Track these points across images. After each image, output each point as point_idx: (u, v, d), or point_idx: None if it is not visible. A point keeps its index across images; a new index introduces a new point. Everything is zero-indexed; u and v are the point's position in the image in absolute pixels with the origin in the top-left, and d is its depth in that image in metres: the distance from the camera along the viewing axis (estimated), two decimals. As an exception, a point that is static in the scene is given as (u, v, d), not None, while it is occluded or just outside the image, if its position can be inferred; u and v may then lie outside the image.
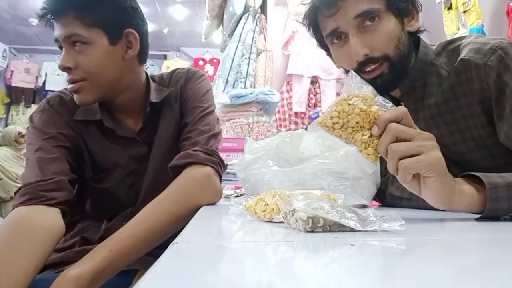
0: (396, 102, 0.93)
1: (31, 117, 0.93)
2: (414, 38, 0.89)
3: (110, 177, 0.96)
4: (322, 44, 0.93)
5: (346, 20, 0.82)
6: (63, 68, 0.86)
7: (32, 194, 0.78)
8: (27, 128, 0.93)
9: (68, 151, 0.89)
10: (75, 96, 0.89)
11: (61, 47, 0.87)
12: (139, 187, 0.96)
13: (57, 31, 0.86)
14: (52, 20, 0.86)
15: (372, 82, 0.83)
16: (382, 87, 0.86)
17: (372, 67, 0.83)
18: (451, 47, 0.88)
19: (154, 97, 0.96)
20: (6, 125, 6.41)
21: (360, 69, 0.83)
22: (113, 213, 0.96)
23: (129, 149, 0.96)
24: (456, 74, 0.83)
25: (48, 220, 0.77)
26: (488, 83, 0.78)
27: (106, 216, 0.97)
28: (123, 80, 0.92)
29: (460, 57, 0.83)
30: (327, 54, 0.94)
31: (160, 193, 0.81)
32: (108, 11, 0.87)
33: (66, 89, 0.94)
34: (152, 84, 0.99)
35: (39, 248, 0.72)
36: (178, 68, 1.06)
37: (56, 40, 0.87)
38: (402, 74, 0.87)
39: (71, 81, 0.87)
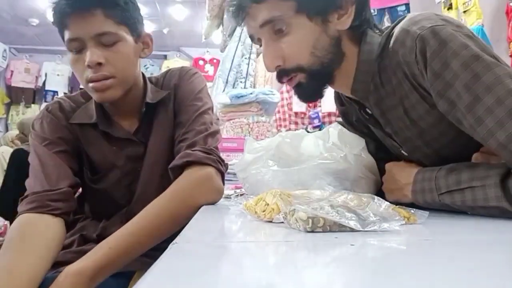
0: (361, 105, 0.85)
1: (32, 124, 0.96)
2: (356, 33, 0.77)
3: (107, 177, 0.97)
4: None
5: (256, 28, 0.76)
6: (95, 64, 0.83)
7: (39, 203, 0.81)
8: (30, 135, 0.95)
9: (68, 155, 0.92)
10: (99, 94, 0.87)
11: (71, 48, 0.85)
12: (137, 187, 0.97)
13: (81, 29, 0.83)
14: (68, 18, 0.83)
15: (295, 91, 0.80)
16: (306, 95, 0.82)
17: (286, 79, 0.77)
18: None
19: (150, 98, 0.96)
20: (6, 125, 6.43)
21: (279, 80, 0.79)
22: (111, 212, 0.97)
23: (126, 149, 0.96)
24: (394, 73, 0.74)
25: (53, 230, 0.80)
26: (425, 80, 0.68)
27: (104, 216, 0.98)
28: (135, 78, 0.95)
29: (390, 51, 0.73)
30: None
31: (154, 192, 0.83)
32: (131, 11, 0.90)
33: (65, 93, 0.95)
34: (149, 85, 0.99)
35: (43, 259, 0.75)
36: (172, 68, 1.07)
37: (74, 40, 0.84)
38: (326, 79, 0.79)
39: (100, 78, 0.85)
